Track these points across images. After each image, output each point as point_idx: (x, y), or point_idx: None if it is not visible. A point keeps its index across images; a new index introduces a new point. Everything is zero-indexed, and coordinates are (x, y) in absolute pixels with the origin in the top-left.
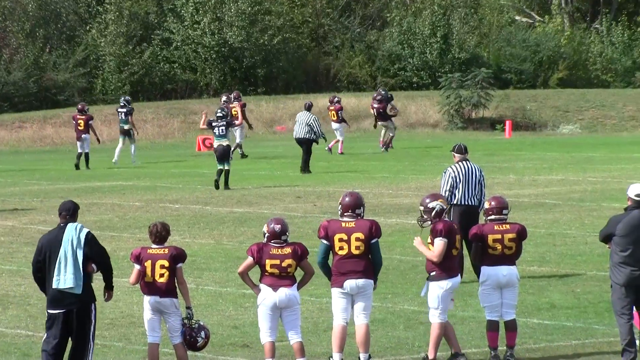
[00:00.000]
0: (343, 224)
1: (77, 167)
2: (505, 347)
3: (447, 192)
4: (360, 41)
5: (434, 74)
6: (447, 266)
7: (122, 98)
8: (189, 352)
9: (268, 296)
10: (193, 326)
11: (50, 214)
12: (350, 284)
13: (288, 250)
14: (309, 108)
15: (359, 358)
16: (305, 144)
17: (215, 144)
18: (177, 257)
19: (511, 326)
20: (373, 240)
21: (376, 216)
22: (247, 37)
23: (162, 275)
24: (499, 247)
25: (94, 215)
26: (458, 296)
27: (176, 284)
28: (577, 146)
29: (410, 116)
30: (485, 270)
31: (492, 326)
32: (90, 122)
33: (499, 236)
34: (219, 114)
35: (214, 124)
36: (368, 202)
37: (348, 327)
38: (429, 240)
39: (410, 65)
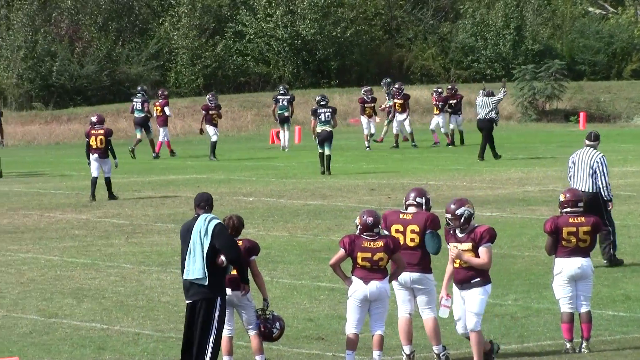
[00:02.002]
0: (401, 215)
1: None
2: (580, 339)
3: (569, 177)
4: (433, 33)
5: (507, 65)
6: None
7: (282, 86)
8: (264, 344)
9: (359, 289)
10: (267, 317)
11: (124, 207)
12: (404, 277)
13: (380, 243)
14: (489, 94)
15: (433, 350)
16: (486, 129)
17: (319, 129)
18: (251, 249)
19: (586, 318)
20: (427, 232)
21: None
22: (320, 29)
23: (235, 268)
24: (573, 239)
25: (168, 208)
26: (533, 288)
27: (251, 277)
28: None
29: None
30: (559, 262)
31: (567, 318)
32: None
33: (573, 229)
34: (321, 102)
35: (319, 110)
36: (442, 195)
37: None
38: (465, 248)
39: (484, 57)
